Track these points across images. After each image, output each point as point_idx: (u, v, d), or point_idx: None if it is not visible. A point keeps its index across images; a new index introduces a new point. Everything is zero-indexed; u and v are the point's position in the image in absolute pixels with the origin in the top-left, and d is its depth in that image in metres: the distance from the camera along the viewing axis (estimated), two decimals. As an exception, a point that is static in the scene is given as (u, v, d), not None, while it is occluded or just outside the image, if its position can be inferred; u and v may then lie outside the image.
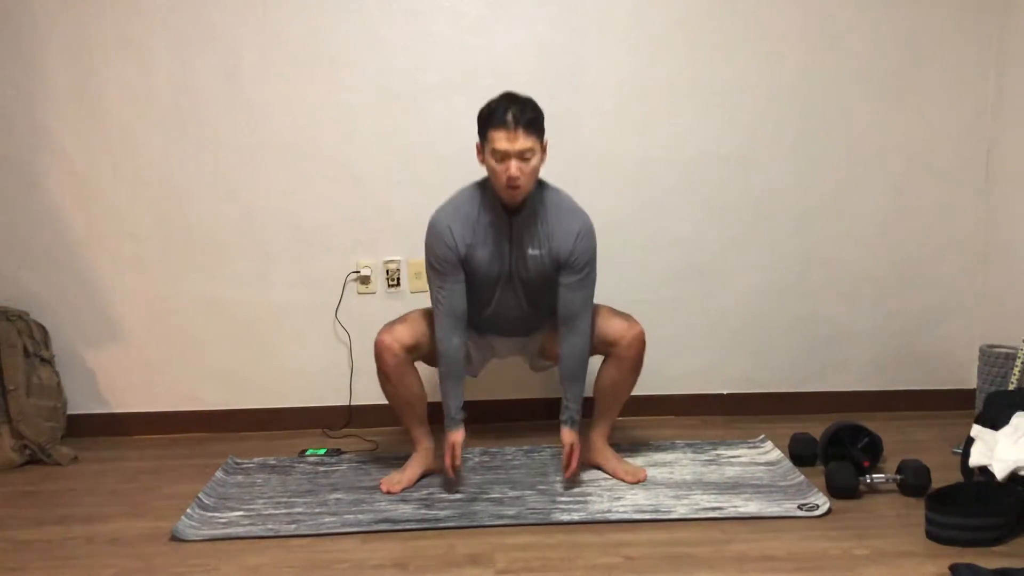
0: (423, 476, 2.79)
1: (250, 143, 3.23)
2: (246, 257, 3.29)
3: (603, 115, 3.27)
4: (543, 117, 2.54)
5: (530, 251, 2.63)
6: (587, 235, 2.64)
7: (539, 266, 2.65)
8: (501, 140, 2.46)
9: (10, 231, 3.23)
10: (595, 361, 2.77)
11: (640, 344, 2.72)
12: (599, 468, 2.85)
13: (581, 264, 2.63)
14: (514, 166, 2.47)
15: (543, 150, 2.55)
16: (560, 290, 2.65)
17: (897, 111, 3.33)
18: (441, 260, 2.62)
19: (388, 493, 2.70)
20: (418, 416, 2.77)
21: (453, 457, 2.65)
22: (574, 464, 2.68)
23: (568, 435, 2.68)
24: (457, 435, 2.66)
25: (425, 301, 3.24)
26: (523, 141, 2.47)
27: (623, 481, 2.76)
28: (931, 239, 3.41)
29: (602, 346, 2.75)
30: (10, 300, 3.22)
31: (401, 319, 2.76)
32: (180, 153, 3.23)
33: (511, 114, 2.46)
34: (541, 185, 2.65)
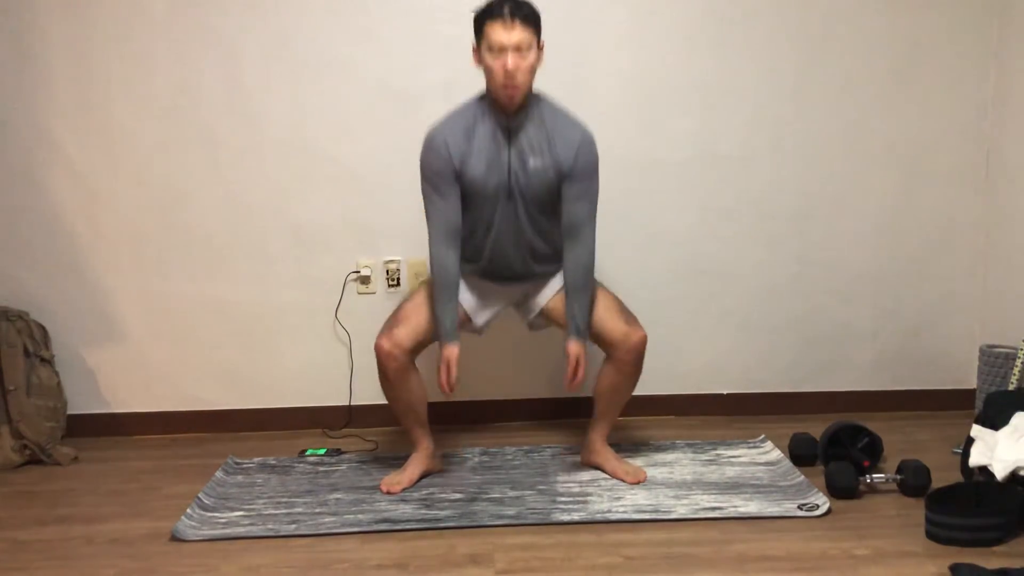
0: (423, 476, 2.79)
1: (250, 143, 3.23)
2: (246, 257, 3.29)
3: (603, 115, 3.26)
4: (540, 16, 2.53)
5: (531, 162, 2.59)
6: (590, 144, 2.62)
7: (542, 179, 2.61)
8: (497, 31, 2.46)
9: (10, 231, 3.23)
10: (595, 363, 2.77)
11: (640, 350, 2.69)
12: (599, 468, 2.84)
13: (585, 173, 2.61)
14: (511, 60, 2.46)
15: (540, 49, 2.55)
16: (563, 202, 2.63)
17: (897, 111, 3.33)
18: (436, 173, 2.59)
19: (388, 494, 2.69)
20: (419, 418, 2.77)
21: (449, 373, 2.63)
22: (580, 375, 2.66)
23: (574, 347, 2.66)
24: (453, 349, 2.64)
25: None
26: (519, 32, 2.46)
27: (623, 481, 2.76)
28: (931, 239, 3.41)
29: (603, 344, 2.73)
30: (10, 300, 3.22)
31: (397, 319, 2.71)
32: (180, 153, 3.23)
33: (507, 7, 2.47)
34: (539, 96, 2.63)
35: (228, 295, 3.30)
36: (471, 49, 2.60)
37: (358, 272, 3.31)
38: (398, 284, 3.32)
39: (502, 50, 2.47)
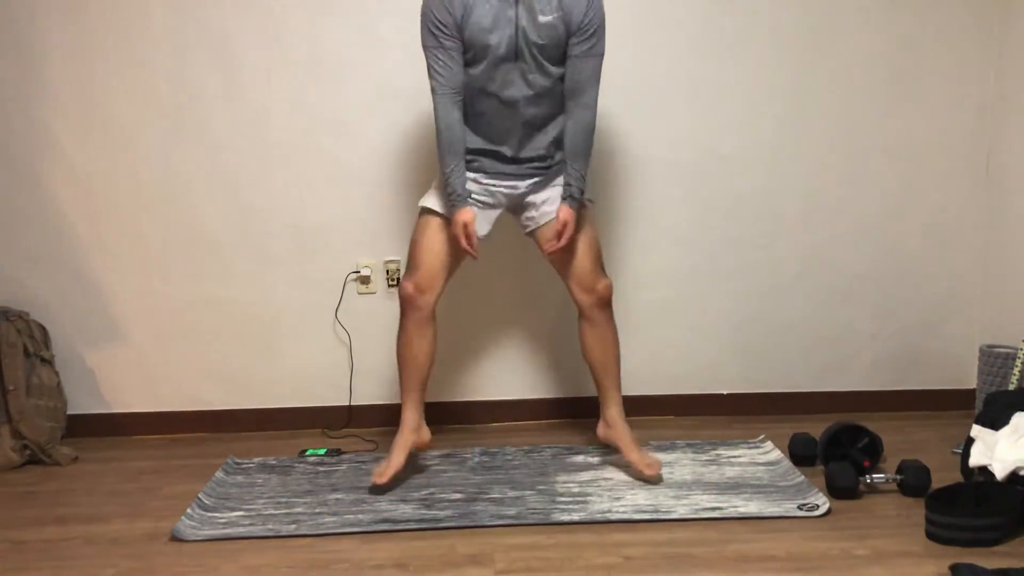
0: (413, 452, 2.75)
1: (250, 143, 3.23)
2: (246, 257, 3.29)
3: (603, 115, 3.26)
4: None
5: (542, 18, 2.55)
6: (598, 0, 2.59)
7: (551, 34, 2.56)
8: None
9: (10, 231, 3.23)
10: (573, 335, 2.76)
11: (606, 298, 2.73)
12: (614, 446, 2.82)
13: (593, 30, 2.58)
14: None
15: None
16: (569, 61, 2.59)
17: (897, 111, 3.33)
18: (438, 24, 2.52)
19: (377, 484, 2.67)
20: (421, 380, 2.73)
21: (468, 236, 2.61)
22: (563, 240, 2.65)
23: (565, 211, 2.65)
24: (467, 213, 2.61)
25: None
26: None
27: (639, 470, 2.74)
28: (931, 239, 3.41)
29: (568, 280, 2.74)
30: (10, 300, 3.22)
31: (418, 262, 2.68)
32: (180, 153, 3.23)
33: None
34: None
35: (228, 295, 3.30)
36: None
37: (358, 272, 3.31)
38: (398, 284, 3.32)
39: None
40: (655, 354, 3.36)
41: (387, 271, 3.32)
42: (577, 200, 2.67)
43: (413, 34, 3.19)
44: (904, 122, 3.33)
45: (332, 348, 3.35)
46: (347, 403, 3.36)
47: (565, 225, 2.64)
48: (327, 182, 3.27)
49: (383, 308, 3.26)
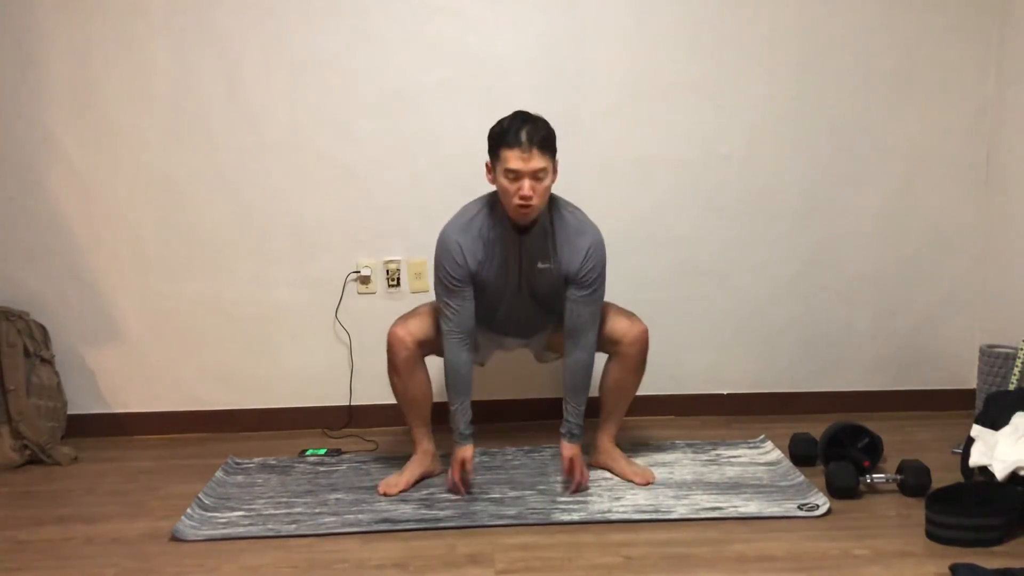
0: (421, 479, 2.79)
1: (250, 143, 3.23)
2: (246, 257, 3.29)
3: (603, 115, 3.27)
4: (555, 137, 2.51)
5: (540, 265, 2.62)
6: (596, 252, 2.62)
7: (550, 279, 2.65)
8: (515, 160, 2.44)
9: (10, 231, 3.23)
10: (600, 361, 2.76)
11: (643, 342, 2.71)
12: (608, 470, 2.84)
13: (590, 281, 2.62)
14: (527, 186, 2.45)
15: (554, 170, 2.53)
16: (567, 304, 2.64)
17: (897, 111, 3.33)
18: (451, 276, 2.60)
19: (385, 495, 2.69)
20: (422, 415, 2.77)
21: (464, 472, 2.66)
22: (578, 478, 2.68)
23: (568, 448, 2.69)
24: (467, 451, 2.66)
25: (427, 299, 3.24)
26: (537, 161, 2.44)
27: (632, 482, 2.75)
28: (931, 239, 3.41)
29: (606, 344, 2.74)
30: (10, 300, 3.22)
31: (414, 313, 2.76)
32: (180, 153, 3.23)
33: (525, 133, 2.44)
34: (551, 200, 2.62)
35: (228, 295, 3.30)
36: (484, 166, 2.57)
37: (358, 272, 3.31)
38: (398, 284, 3.32)
39: (519, 177, 2.46)
40: (655, 354, 3.34)
41: (387, 271, 3.32)
42: (577, 438, 2.70)
43: (413, 34, 3.20)
44: (904, 122, 3.33)
45: (332, 348, 3.35)
46: (347, 403, 3.36)
47: (572, 462, 2.68)
48: (327, 182, 3.26)
49: (383, 308, 3.26)
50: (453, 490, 2.68)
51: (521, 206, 2.48)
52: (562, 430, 2.70)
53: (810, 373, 3.46)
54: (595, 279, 2.63)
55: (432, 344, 2.71)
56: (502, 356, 3.06)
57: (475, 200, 2.67)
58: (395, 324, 2.71)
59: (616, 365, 2.75)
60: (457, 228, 2.62)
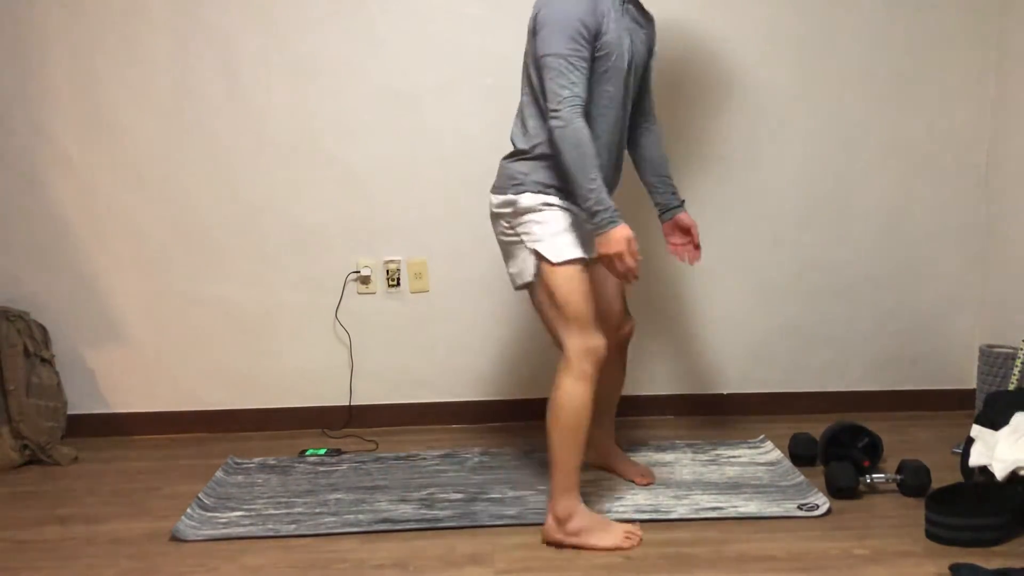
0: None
1: (250, 143, 3.23)
2: (246, 257, 3.29)
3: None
4: None
5: (641, 33, 2.46)
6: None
7: (642, 52, 2.48)
8: None
9: (10, 231, 3.23)
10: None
11: (629, 338, 2.73)
12: (610, 470, 2.84)
13: (654, 49, 2.59)
14: None
15: None
16: (644, 81, 2.56)
17: (897, 111, 3.32)
18: (581, 30, 2.23)
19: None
20: (598, 407, 2.49)
21: (634, 252, 2.36)
22: (696, 238, 2.72)
23: (688, 217, 2.72)
24: (628, 229, 2.36)
25: (426, 302, 3.24)
26: None
27: (633, 482, 2.75)
28: (931, 239, 3.41)
29: (607, 318, 2.57)
30: (10, 300, 3.22)
31: (580, 320, 2.37)
32: (180, 153, 3.23)
33: None
34: None
35: (228, 295, 3.30)
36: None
37: (358, 272, 3.31)
38: (398, 284, 3.32)
39: None
40: (655, 354, 3.36)
41: (387, 271, 3.32)
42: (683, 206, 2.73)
43: (413, 34, 3.20)
44: (904, 122, 3.33)
45: (332, 348, 3.35)
46: (347, 403, 3.36)
47: (694, 228, 2.72)
48: (327, 182, 3.26)
49: (383, 308, 3.26)
50: (630, 275, 2.39)
51: None
52: (674, 203, 2.71)
53: (810, 373, 3.46)
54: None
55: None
56: (502, 355, 3.05)
57: None
58: (589, 336, 2.35)
59: (609, 362, 2.74)
60: None
